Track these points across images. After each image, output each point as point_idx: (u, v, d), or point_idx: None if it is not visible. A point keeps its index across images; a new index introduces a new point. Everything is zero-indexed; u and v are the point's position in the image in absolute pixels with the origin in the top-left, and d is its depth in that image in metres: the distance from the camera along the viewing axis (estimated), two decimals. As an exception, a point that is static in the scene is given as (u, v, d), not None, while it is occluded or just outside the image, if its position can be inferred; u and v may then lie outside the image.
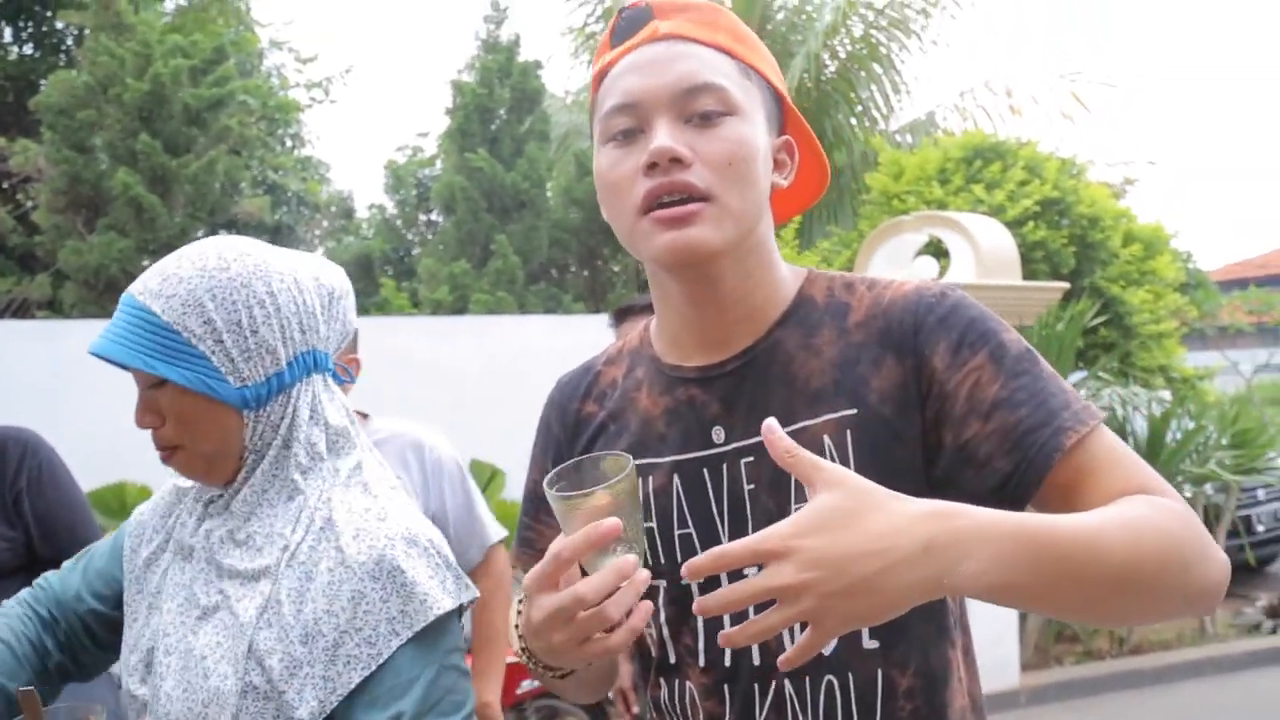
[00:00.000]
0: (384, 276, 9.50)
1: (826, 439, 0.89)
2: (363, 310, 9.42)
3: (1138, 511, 0.79)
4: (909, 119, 10.71)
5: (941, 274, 5.59)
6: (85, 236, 6.46)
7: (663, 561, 0.95)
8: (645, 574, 0.78)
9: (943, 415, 0.87)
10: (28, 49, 10.78)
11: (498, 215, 7.53)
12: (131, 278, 0.96)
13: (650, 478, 0.96)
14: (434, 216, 9.44)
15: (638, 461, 0.92)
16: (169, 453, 1.05)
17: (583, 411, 1.05)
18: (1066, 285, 5.40)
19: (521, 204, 7.54)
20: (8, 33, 10.97)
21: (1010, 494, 0.85)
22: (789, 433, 0.85)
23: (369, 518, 1.02)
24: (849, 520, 0.69)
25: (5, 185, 8.53)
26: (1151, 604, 0.79)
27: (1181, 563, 0.78)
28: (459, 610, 1.03)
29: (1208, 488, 6.18)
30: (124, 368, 1.02)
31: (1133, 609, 0.80)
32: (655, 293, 0.99)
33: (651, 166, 0.87)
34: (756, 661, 0.91)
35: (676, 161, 0.86)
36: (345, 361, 1.89)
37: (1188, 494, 5.88)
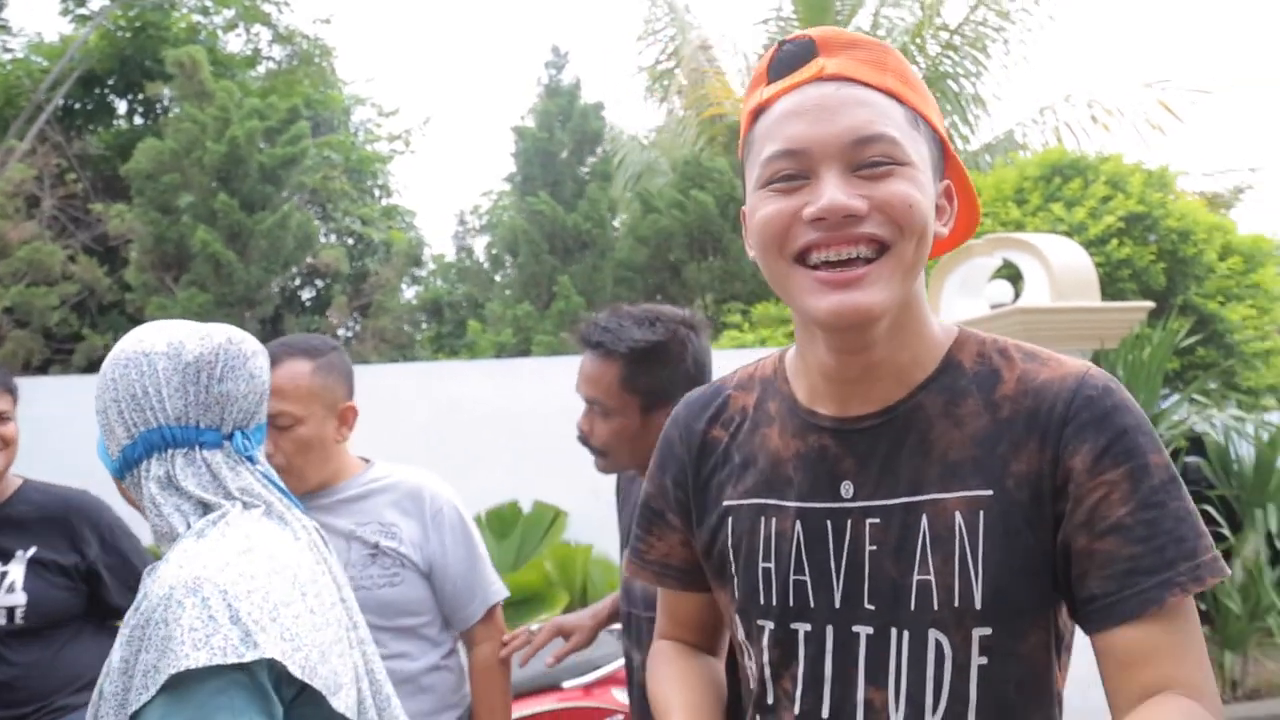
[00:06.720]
0: (472, 320, 9.70)
1: (958, 515, 0.86)
2: (452, 352, 9.62)
3: None
4: (989, 138, 10.39)
5: (1016, 297, 5.32)
6: (172, 292, 6.79)
7: (774, 603, 0.94)
8: None
9: (1063, 514, 0.85)
10: (138, 120, 11.50)
11: (560, 257, 7.59)
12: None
13: (774, 519, 0.95)
14: (505, 260, 9.61)
15: (762, 500, 0.96)
16: None
17: (709, 434, 1.04)
18: (1150, 304, 5.06)
19: (584, 245, 7.59)
20: (121, 106, 11.73)
21: (1086, 616, 0.85)
22: (919, 502, 0.88)
23: (173, 563, 1.04)
24: None
25: (102, 249, 9.04)
26: None
27: None
28: (237, 668, 0.97)
29: (1329, 518, 5.68)
30: None
31: None
32: (800, 334, 0.97)
33: (818, 220, 0.83)
34: (859, 718, 0.89)
35: (849, 217, 0.82)
36: (343, 410, 1.85)
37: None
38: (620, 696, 2.93)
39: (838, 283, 0.84)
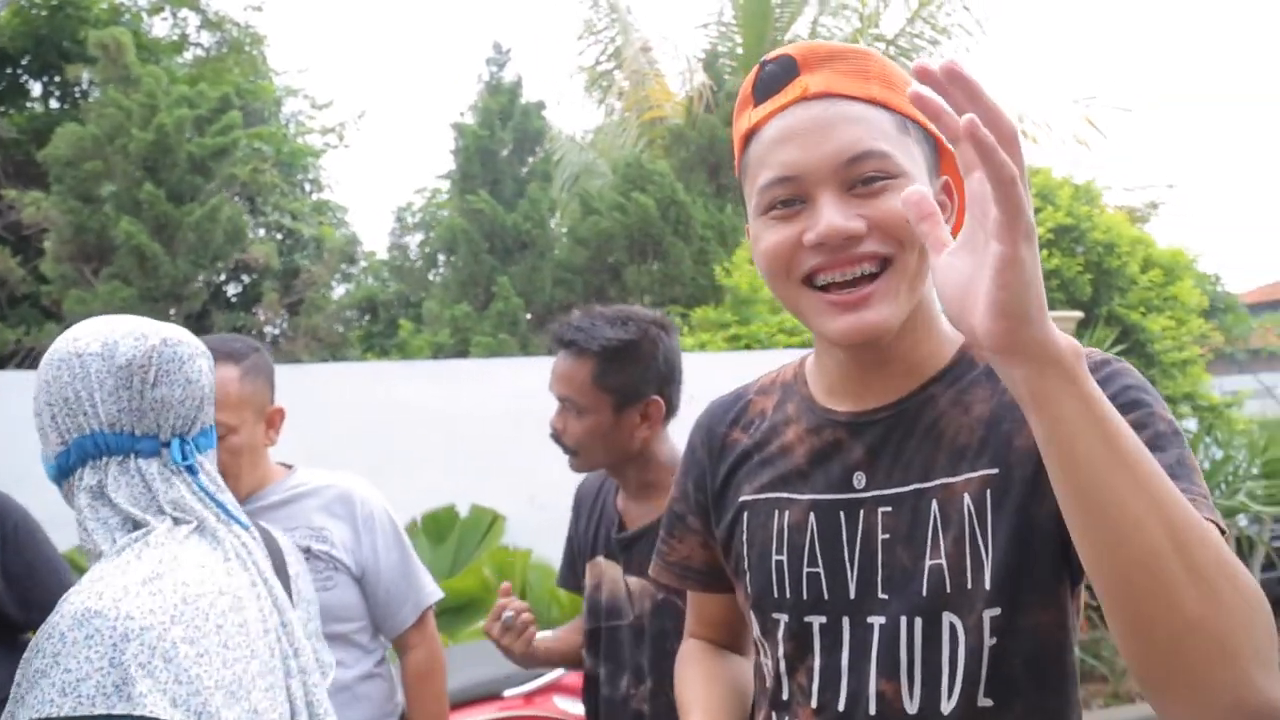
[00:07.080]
0: (403, 319, 9.53)
1: (966, 497, 0.88)
2: (383, 352, 9.43)
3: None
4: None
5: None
6: (91, 285, 6.50)
7: (787, 596, 0.95)
8: None
9: None
10: (54, 104, 10.99)
11: (499, 257, 7.52)
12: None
13: (787, 512, 0.97)
14: (439, 259, 9.47)
15: (776, 495, 0.98)
16: None
17: (729, 437, 1.07)
18: (1080, 314, 5.24)
19: (523, 245, 7.52)
20: (36, 88, 11.20)
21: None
22: (929, 488, 0.89)
23: (81, 589, 1.00)
24: None
25: (14, 238, 8.63)
26: (1186, 626, 0.65)
27: (1250, 623, 0.66)
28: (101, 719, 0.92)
29: (1240, 519, 5.93)
30: None
31: (1165, 613, 0.66)
32: (817, 341, 1.00)
33: (819, 245, 0.86)
34: (872, 711, 0.89)
35: (850, 238, 0.85)
36: (271, 414, 1.80)
37: (1219, 528, 5.65)
38: (562, 705, 2.89)
39: (847, 304, 0.86)
